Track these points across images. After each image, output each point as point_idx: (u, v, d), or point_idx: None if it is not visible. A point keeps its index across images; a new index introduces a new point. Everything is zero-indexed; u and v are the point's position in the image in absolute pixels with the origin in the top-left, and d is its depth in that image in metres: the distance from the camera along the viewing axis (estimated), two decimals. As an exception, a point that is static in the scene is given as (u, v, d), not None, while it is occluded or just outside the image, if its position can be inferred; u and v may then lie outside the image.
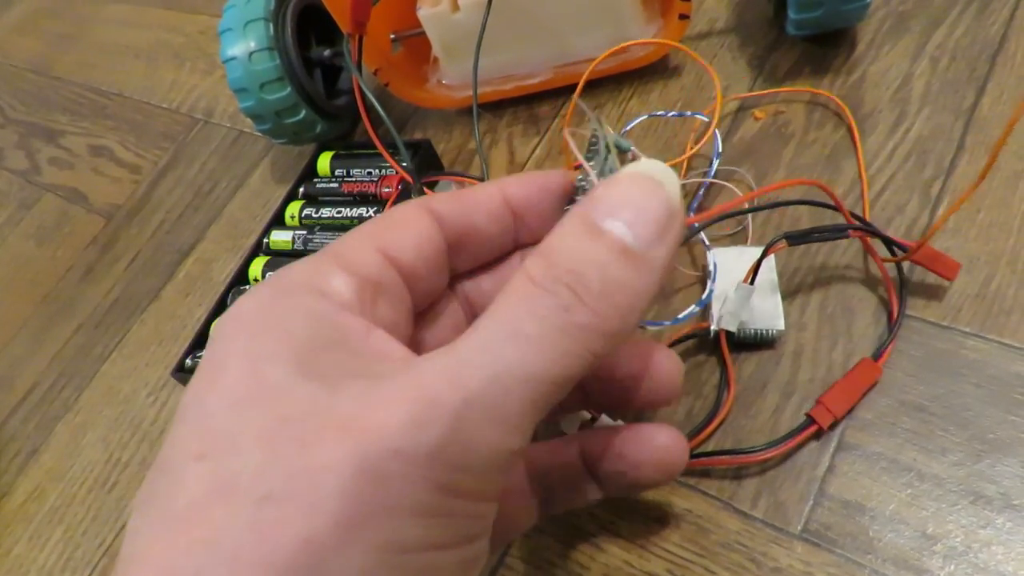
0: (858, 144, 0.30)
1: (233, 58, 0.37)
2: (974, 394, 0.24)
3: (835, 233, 0.26)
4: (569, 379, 0.15)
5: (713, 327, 0.27)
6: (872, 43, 0.33)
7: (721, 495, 0.25)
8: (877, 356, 0.25)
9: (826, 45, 0.34)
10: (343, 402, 0.14)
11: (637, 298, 0.15)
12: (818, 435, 0.25)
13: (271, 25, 0.37)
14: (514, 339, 0.15)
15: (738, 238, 0.30)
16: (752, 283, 0.26)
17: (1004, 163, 0.28)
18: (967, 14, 0.32)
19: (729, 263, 0.28)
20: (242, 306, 0.16)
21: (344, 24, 0.34)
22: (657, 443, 0.21)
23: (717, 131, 0.31)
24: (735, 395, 0.26)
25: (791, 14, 0.31)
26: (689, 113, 0.33)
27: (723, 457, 0.25)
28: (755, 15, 0.37)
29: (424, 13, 0.35)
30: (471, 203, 0.19)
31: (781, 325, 0.27)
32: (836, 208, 0.26)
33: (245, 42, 0.36)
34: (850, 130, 0.31)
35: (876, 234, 0.26)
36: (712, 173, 0.31)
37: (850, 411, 0.25)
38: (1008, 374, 0.24)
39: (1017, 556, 0.22)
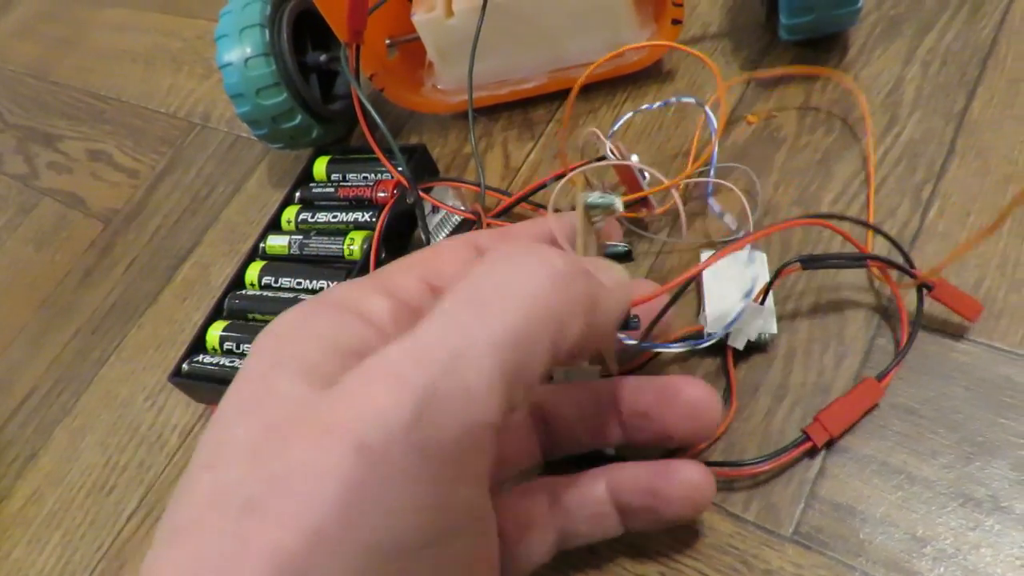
0: (868, 128, 0.30)
1: (229, 64, 0.37)
2: (964, 397, 0.25)
3: (853, 261, 0.26)
4: (535, 345, 0.15)
5: (707, 329, 0.27)
6: (864, 47, 0.33)
7: (713, 498, 0.25)
8: (881, 377, 0.25)
9: (818, 49, 0.34)
10: (325, 401, 0.14)
11: (596, 298, 0.17)
12: (812, 452, 0.25)
13: (267, 31, 0.37)
14: (473, 305, 0.15)
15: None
16: (763, 303, 0.26)
17: (994, 166, 0.28)
18: (958, 18, 0.33)
19: (723, 269, 0.28)
20: (278, 320, 0.17)
21: (341, 34, 0.34)
22: (685, 477, 0.21)
23: (711, 113, 0.31)
24: (736, 408, 0.26)
25: (783, 19, 0.31)
26: (675, 99, 0.33)
27: (716, 468, 0.25)
28: (747, 19, 0.37)
29: (419, 18, 0.36)
30: (515, 236, 0.21)
31: (774, 329, 0.27)
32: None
33: (241, 48, 0.37)
34: (863, 118, 0.31)
35: (897, 267, 0.26)
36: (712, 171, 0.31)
37: (846, 431, 0.25)
38: (997, 377, 0.25)
39: (1006, 558, 0.22)
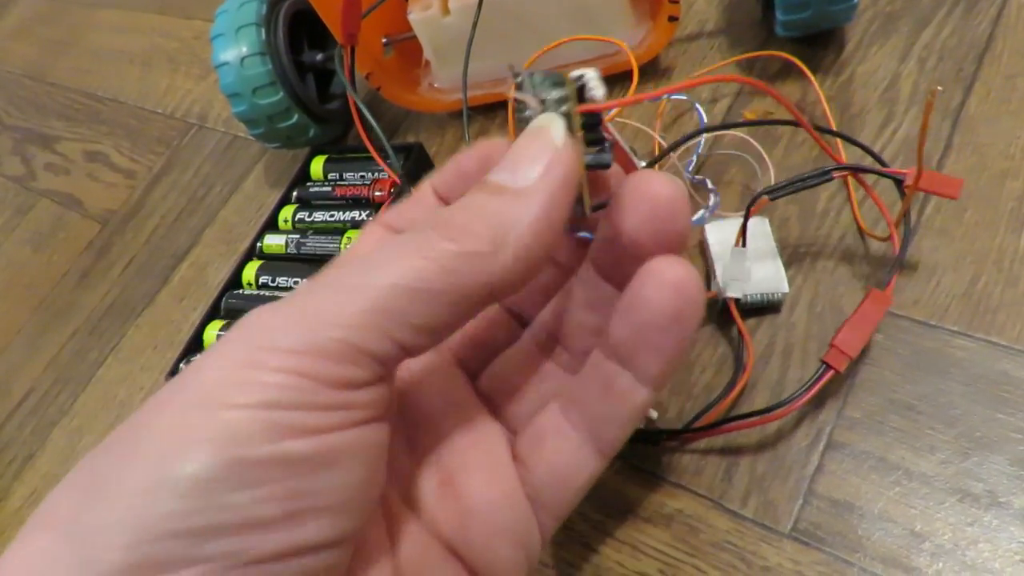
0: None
1: (225, 63, 0.37)
2: (961, 392, 0.24)
3: (818, 178, 0.24)
4: (426, 291, 0.15)
5: (721, 295, 0.27)
6: (860, 43, 0.33)
7: (711, 494, 0.25)
8: (884, 285, 0.25)
9: (815, 46, 0.34)
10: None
11: (509, 223, 0.15)
12: (836, 380, 0.25)
13: (263, 30, 0.37)
14: (359, 260, 0.16)
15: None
16: (744, 245, 0.26)
17: (990, 162, 0.28)
18: (954, 14, 0.33)
19: (718, 235, 0.29)
20: None
21: (338, 35, 0.34)
22: (653, 267, 0.17)
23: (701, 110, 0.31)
24: (754, 358, 0.27)
25: (779, 15, 0.31)
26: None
27: (744, 420, 0.24)
28: (744, 16, 0.37)
29: (415, 17, 0.36)
30: (409, 206, 0.20)
31: (785, 288, 0.27)
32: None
33: (237, 47, 0.37)
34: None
35: (864, 170, 0.24)
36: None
37: (865, 349, 0.24)
38: (994, 372, 0.24)
39: (1004, 553, 0.22)
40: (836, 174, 0.24)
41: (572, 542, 0.25)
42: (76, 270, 0.47)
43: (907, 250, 0.26)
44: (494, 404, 0.21)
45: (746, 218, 0.25)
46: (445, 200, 0.20)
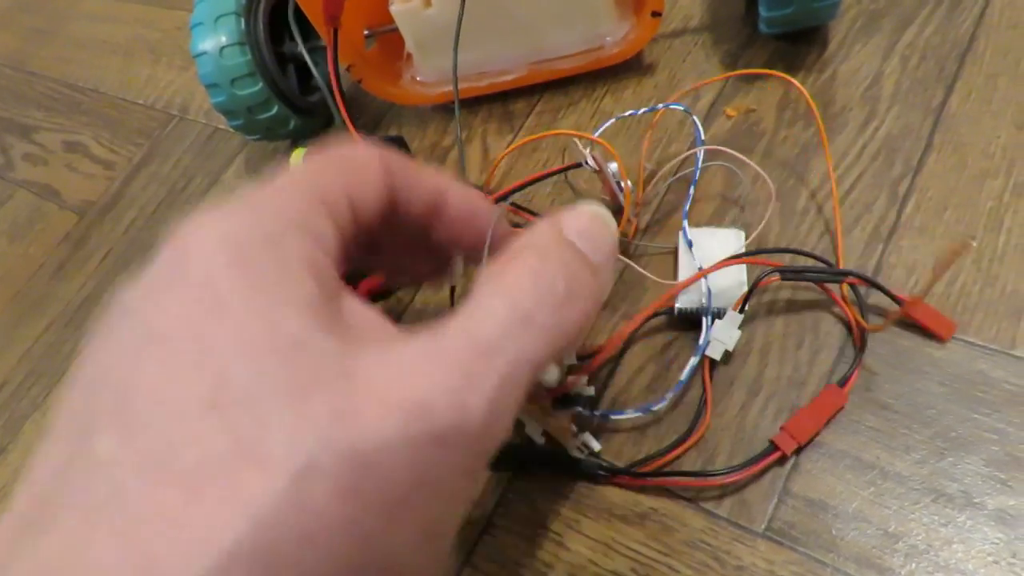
0: (826, 143, 0.30)
1: (204, 53, 0.36)
2: (937, 392, 0.24)
3: (831, 277, 0.26)
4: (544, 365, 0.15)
5: (677, 304, 0.27)
6: (843, 41, 0.33)
7: (686, 493, 0.25)
8: (843, 383, 0.25)
9: (798, 43, 0.34)
10: (372, 368, 0.13)
11: (594, 305, 0.17)
12: (781, 461, 0.24)
13: (242, 20, 0.36)
14: (527, 326, 0.15)
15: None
16: (742, 312, 0.26)
17: (971, 162, 0.28)
18: (938, 13, 0.32)
19: (701, 241, 0.28)
20: (229, 228, 0.14)
21: (317, 23, 0.33)
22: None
23: (698, 122, 0.31)
24: (710, 412, 0.26)
25: (762, 12, 0.31)
26: (661, 106, 0.33)
27: (687, 479, 0.25)
28: (728, 13, 0.36)
29: (397, 9, 0.35)
30: (350, 163, 0.18)
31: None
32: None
33: (216, 37, 0.36)
34: (818, 128, 0.31)
35: (872, 284, 0.26)
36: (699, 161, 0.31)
37: (814, 438, 0.25)
38: (971, 372, 0.24)
39: (977, 554, 0.22)
40: (849, 279, 0.26)
41: (545, 540, 0.25)
42: (52, 262, 0.46)
43: (865, 352, 0.26)
44: None
45: (752, 289, 0.26)
46: (392, 186, 0.18)
